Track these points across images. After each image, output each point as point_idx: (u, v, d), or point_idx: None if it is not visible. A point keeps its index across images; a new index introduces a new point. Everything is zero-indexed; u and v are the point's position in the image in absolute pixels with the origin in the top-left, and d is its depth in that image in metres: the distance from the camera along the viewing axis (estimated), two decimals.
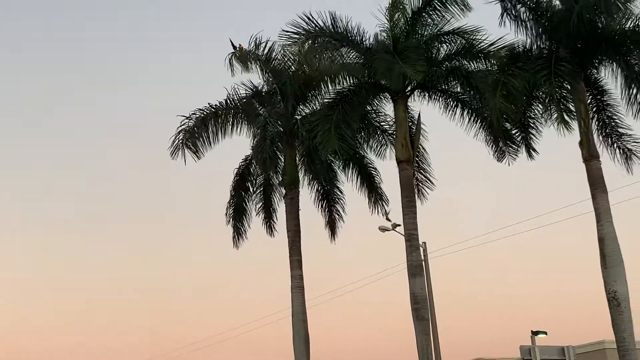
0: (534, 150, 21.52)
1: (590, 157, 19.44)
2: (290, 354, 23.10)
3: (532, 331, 25.31)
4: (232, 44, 24.01)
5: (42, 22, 73.42)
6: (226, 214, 25.83)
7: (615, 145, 20.91)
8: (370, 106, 23.75)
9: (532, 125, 21.27)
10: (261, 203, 25.85)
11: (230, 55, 23.88)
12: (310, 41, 22.50)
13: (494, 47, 21.53)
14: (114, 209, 71.25)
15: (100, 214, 69.68)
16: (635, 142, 20.77)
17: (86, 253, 71.12)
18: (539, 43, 20.50)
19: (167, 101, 61.50)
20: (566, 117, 19.10)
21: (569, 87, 19.82)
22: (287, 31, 22.46)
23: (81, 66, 73.11)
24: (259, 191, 25.88)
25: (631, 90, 19.64)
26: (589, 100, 20.50)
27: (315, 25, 22.45)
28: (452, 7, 21.66)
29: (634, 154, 20.80)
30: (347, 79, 22.77)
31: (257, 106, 24.51)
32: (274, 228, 25.84)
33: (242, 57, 23.62)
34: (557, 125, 19.23)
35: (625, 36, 19.67)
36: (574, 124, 19.37)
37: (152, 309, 68.01)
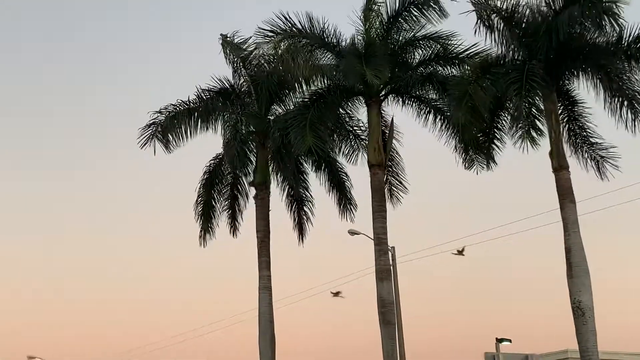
0: (494, 161, 21.60)
1: (559, 167, 19.57)
2: (256, 353, 23.02)
3: (496, 338, 25.47)
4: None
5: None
6: (195, 211, 25.65)
7: (587, 154, 21.05)
8: (343, 109, 23.74)
9: (497, 136, 21.35)
10: (227, 202, 25.65)
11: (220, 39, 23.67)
12: (285, 41, 22.41)
13: (469, 53, 21.68)
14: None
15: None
16: (608, 150, 20.92)
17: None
18: (512, 53, 20.60)
19: (143, 100, 61.03)
20: (533, 134, 19.37)
21: (540, 102, 19.99)
22: (263, 29, 22.41)
23: None
24: (226, 190, 25.68)
25: (614, 100, 19.75)
26: (560, 110, 20.64)
27: (292, 25, 22.40)
28: (428, 12, 21.75)
29: (607, 161, 20.94)
30: (322, 81, 22.75)
31: (230, 105, 24.36)
32: (238, 229, 25.68)
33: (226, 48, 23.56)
34: (522, 141, 19.47)
35: (605, 48, 19.79)
36: (541, 140, 19.64)
37: (119, 306, 67.51)
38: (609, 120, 20.04)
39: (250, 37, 23.54)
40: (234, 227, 25.61)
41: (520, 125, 19.88)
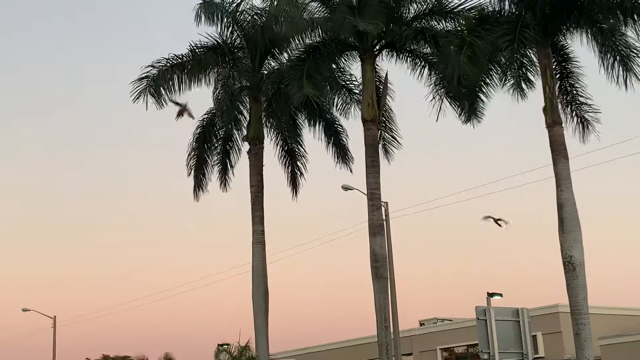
0: (476, 115, 21.54)
1: (553, 123, 19.50)
2: (250, 306, 23.21)
3: (488, 293, 25.69)
4: None
5: None
6: (187, 165, 25.58)
7: (574, 113, 20.92)
8: (337, 64, 23.55)
9: (483, 91, 21.21)
10: (219, 157, 25.53)
11: (198, 6, 23.39)
12: None
13: (464, 7, 21.45)
14: None
15: None
16: (594, 111, 20.82)
17: None
18: (507, 6, 20.40)
19: (134, 58, 60.52)
20: (523, 85, 19.28)
21: (533, 54, 19.86)
22: None
23: None
24: (218, 145, 25.57)
25: (607, 57, 19.58)
26: (554, 66, 20.49)
27: None
28: None
29: (590, 124, 20.84)
30: (317, 34, 22.50)
31: (222, 60, 24.08)
32: (228, 184, 25.64)
33: (209, 8, 23.11)
34: (513, 91, 19.36)
35: (601, 3, 19.57)
36: (530, 93, 19.55)
37: (119, 256, 68.11)
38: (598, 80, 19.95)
39: None
40: (224, 181, 25.58)
41: (511, 75, 19.75)
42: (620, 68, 19.47)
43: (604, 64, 19.62)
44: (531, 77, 20.21)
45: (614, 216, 56.68)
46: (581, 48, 20.21)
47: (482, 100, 21.66)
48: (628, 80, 19.43)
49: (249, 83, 23.88)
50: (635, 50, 19.39)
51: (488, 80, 21.06)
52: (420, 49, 22.61)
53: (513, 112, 21.58)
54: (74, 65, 73.36)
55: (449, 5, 21.62)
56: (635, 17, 19.31)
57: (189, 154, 25.47)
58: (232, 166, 25.54)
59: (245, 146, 24.54)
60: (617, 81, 19.51)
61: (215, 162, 25.58)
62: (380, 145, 23.04)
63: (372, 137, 22.23)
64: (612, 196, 54.57)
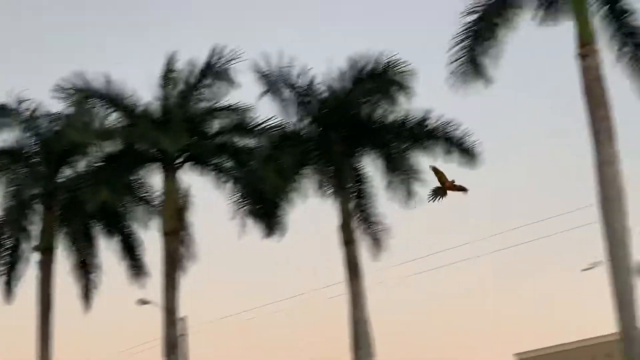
0: (280, 229, 21.84)
1: (348, 241, 20.15)
2: None
3: None
4: None
5: None
6: None
7: (367, 231, 21.71)
8: (139, 174, 23.17)
9: (286, 205, 21.62)
10: (5, 267, 23.91)
11: None
12: (81, 101, 21.72)
13: (267, 125, 22.01)
14: None
15: None
16: (381, 231, 21.66)
17: None
18: (307, 126, 21.30)
19: None
20: (324, 200, 20.09)
21: (333, 173, 20.73)
22: (60, 87, 21.63)
23: None
24: (6, 254, 23.98)
25: (395, 177, 20.95)
26: (350, 186, 21.37)
27: (89, 86, 21.78)
28: (225, 84, 21.91)
29: (382, 242, 21.65)
30: (118, 144, 22.13)
31: (15, 164, 22.91)
32: (14, 297, 23.99)
33: (3, 112, 22.19)
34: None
35: (389, 128, 20.93)
36: (333, 208, 20.24)
37: None
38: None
39: (40, 101, 22.67)
40: (9, 293, 23.92)
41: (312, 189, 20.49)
42: (405, 188, 20.77)
43: (391, 184, 20.89)
44: (331, 194, 21.01)
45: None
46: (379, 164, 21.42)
47: (285, 215, 22.03)
48: (410, 199, 20.79)
49: (43, 190, 22.84)
50: (417, 173, 20.79)
51: (292, 195, 21.55)
52: (224, 163, 22.80)
53: (317, 226, 22.21)
54: None
55: (252, 123, 22.11)
56: (422, 142, 20.82)
57: None
58: (19, 278, 23.97)
59: (36, 256, 23.23)
60: (402, 201, 20.84)
61: (1, 272, 23.91)
62: (180, 259, 22.59)
63: (172, 250, 21.78)
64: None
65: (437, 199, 18.55)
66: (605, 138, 16.39)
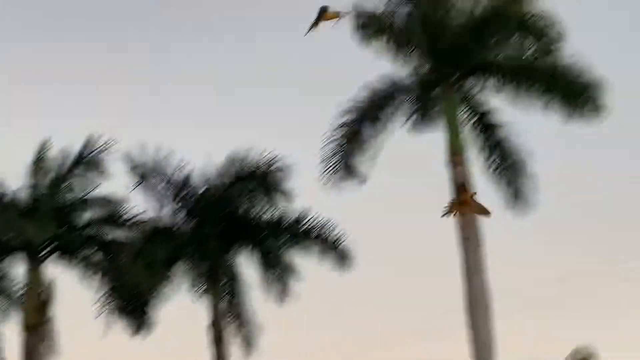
0: (148, 327, 21.17)
1: (217, 339, 19.93)
2: None
3: None
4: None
5: None
6: None
7: (238, 330, 21.31)
8: (1, 265, 22.07)
9: (155, 302, 21.08)
10: None
11: None
12: None
13: (139, 218, 21.61)
14: None
15: None
16: (253, 330, 21.39)
17: None
18: (182, 220, 21.07)
19: None
20: (197, 297, 19.73)
21: (207, 269, 20.54)
22: None
23: None
24: None
25: (270, 274, 20.86)
26: (224, 283, 21.12)
27: None
28: (98, 174, 21.49)
29: (251, 343, 21.31)
30: None
31: None
32: None
33: None
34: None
35: (266, 225, 21.05)
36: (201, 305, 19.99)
37: None
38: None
39: None
40: None
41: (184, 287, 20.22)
42: (280, 285, 20.78)
43: (266, 280, 20.84)
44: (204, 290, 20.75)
45: None
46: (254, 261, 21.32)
47: (154, 312, 21.39)
48: (283, 295, 20.75)
49: None
50: (293, 271, 20.87)
51: (162, 291, 21.04)
52: (92, 255, 22.06)
53: (187, 324, 21.81)
54: None
55: (124, 216, 21.65)
56: (298, 241, 20.94)
57: None
58: None
59: None
60: (275, 298, 20.81)
61: None
62: (40, 355, 21.42)
63: (32, 346, 20.75)
64: None
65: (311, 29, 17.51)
66: (473, 246, 16.90)
